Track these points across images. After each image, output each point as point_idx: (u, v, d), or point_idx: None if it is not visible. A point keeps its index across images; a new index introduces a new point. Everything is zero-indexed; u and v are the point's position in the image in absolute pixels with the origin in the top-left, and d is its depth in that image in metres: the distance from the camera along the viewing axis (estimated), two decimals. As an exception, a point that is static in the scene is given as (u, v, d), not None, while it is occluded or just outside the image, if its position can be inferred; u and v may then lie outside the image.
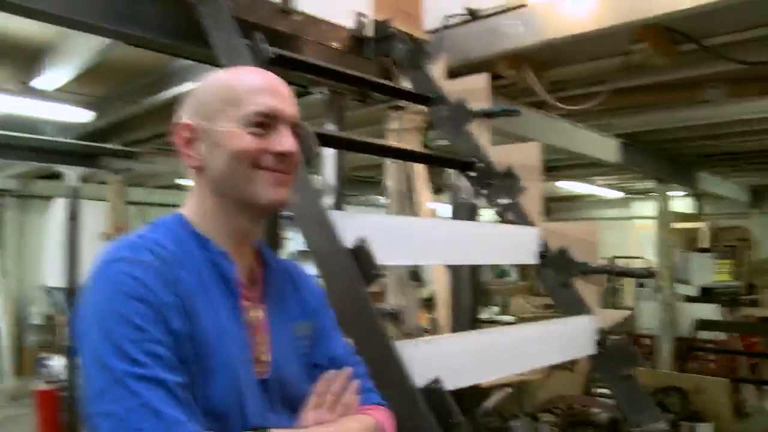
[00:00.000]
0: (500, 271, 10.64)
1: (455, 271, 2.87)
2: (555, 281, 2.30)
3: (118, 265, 1.06)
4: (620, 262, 9.78)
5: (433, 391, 1.41)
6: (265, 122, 1.16)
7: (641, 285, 8.57)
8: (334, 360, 1.29)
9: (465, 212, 2.62)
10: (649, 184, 8.13)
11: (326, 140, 2.29)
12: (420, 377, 1.43)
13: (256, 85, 1.19)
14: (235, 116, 1.16)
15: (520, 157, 2.52)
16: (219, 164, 1.16)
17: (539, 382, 5.00)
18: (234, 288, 1.18)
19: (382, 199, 3.74)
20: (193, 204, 1.22)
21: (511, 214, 2.42)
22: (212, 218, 1.20)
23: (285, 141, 1.17)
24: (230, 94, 1.17)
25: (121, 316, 1.00)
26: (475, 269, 2.87)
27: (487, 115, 2.64)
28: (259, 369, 1.17)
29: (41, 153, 5.84)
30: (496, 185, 2.47)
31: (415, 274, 3.54)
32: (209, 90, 1.21)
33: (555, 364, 4.69)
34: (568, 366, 5.12)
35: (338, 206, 3.03)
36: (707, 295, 7.79)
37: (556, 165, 8.05)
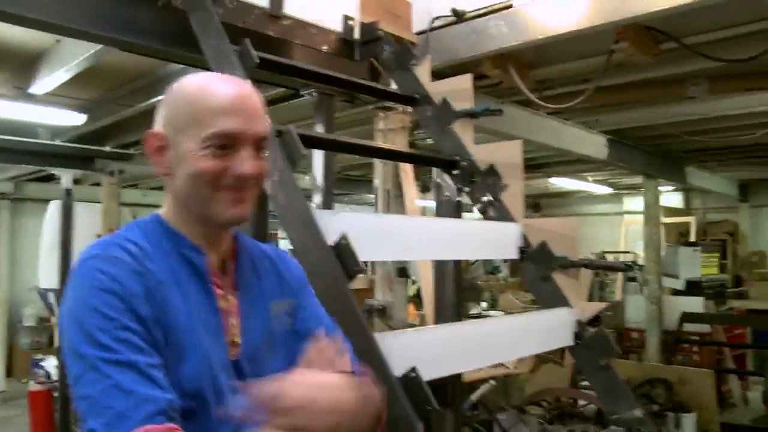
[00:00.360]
0: (492, 268, 10.69)
1: (439, 267, 2.92)
2: (535, 275, 2.34)
3: (90, 262, 1.14)
4: (610, 257, 9.90)
5: (410, 379, 1.47)
6: (227, 143, 1.19)
7: (631, 279, 8.64)
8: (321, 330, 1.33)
9: (449, 209, 2.66)
10: (638, 180, 8.18)
11: (313, 142, 2.35)
12: (399, 367, 1.48)
13: (219, 104, 1.19)
14: (197, 136, 1.19)
15: (502, 155, 2.56)
16: (181, 180, 1.21)
17: (527, 375, 5.06)
18: (206, 278, 1.24)
19: (372, 198, 3.80)
20: (168, 204, 1.29)
21: (493, 211, 2.46)
22: (183, 219, 1.27)
23: (246, 163, 1.20)
24: (194, 112, 1.20)
25: (91, 307, 1.08)
26: (458, 265, 2.92)
27: (471, 114, 2.68)
28: (232, 351, 1.24)
29: (35, 156, 5.90)
30: (479, 183, 2.51)
31: (402, 271, 3.60)
32: (179, 102, 1.24)
33: (543, 358, 4.77)
34: (556, 359, 5.18)
35: (327, 205, 3.08)
36: (694, 288, 7.87)
37: (547, 162, 8.09)
